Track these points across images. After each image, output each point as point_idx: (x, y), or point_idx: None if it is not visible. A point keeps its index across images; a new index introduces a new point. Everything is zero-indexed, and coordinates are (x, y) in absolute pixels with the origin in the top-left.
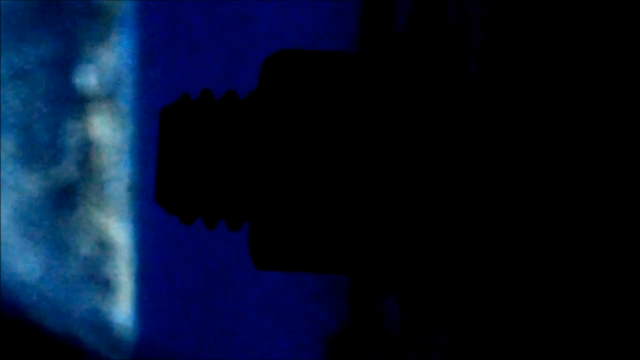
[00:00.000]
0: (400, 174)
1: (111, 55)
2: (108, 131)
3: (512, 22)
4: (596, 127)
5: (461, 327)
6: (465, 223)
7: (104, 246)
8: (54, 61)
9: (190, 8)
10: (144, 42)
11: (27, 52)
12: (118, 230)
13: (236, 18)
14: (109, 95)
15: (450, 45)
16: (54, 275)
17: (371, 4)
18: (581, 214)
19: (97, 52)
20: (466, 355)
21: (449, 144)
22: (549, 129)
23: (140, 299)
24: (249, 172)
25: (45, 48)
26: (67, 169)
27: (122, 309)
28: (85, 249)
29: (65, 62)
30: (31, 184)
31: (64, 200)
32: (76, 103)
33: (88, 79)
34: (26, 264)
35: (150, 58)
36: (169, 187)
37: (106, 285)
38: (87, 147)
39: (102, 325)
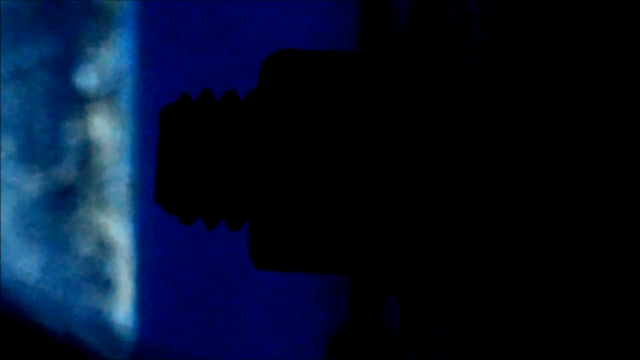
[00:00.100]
0: (400, 174)
1: (111, 55)
2: (108, 131)
3: (512, 23)
4: (596, 127)
5: (461, 327)
6: (465, 223)
7: (104, 246)
8: (54, 61)
9: (190, 8)
10: (144, 42)
11: (27, 52)
12: (118, 230)
13: (236, 18)
14: (109, 95)
15: (450, 45)
16: (54, 275)
17: (371, 4)
18: (581, 213)
19: (97, 52)
20: (466, 355)
21: (449, 144)
22: (549, 129)
23: (140, 299)
24: (249, 172)
25: (45, 48)
26: (67, 169)
27: (122, 309)
28: (85, 249)
29: (65, 62)
30: (31, 184)
31: (64, 200)
32: (76, 103)
33: (88, 79)
34: (26, 264)
35: (150, 58)
36: (169, 187)
37: (106, 285)
38: (87, 147)
39: (102, 325)
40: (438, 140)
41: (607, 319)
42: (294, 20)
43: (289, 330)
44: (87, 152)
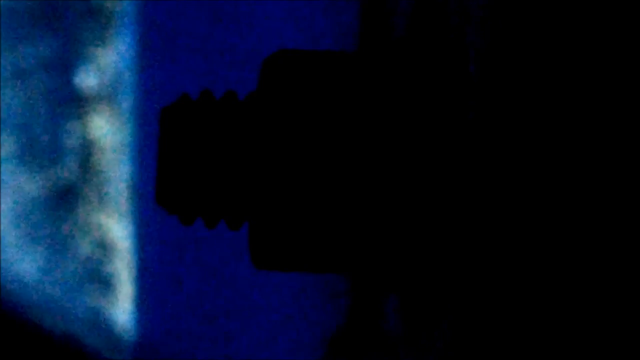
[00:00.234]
0: (400, 174)
1: (111, 55)
2: (108, 131)
3: (511, 23)
4: (595, 127)
5: (461, 327)
6: (465, 223)
7: (104, 246)
8: (54, 61)
9: (190, 8)
10: (144, 42)
11: (27, 52)
12: (118, 230)
13: (236, 18)
14: (109, 95)
15: (450, 46)
16: (54, 275)
17: (371, 4)
18: (580, 213)
19: (97, 52)
20: (466, 355)
21: (449, 144)
22: (549, 128)
23: (140, 298)
24: (249, 172)
25: (45, 48)
26: (67, 169)
27: (122, 309)
28: (85, 249)
29: (65, 62)
30: (31, 184)
31: (64, 201)
32: (76, 103)
33: (88, 79)
34: (26, 264)
35: (150, 58)
36: (169, 187)
37: (106, 285)
38: (87, 147)
39: (102, 325)
40: (438, 140)
41: (606, 319)
42: (294, 20)
43: (289, 331)
44: (87, 152)
